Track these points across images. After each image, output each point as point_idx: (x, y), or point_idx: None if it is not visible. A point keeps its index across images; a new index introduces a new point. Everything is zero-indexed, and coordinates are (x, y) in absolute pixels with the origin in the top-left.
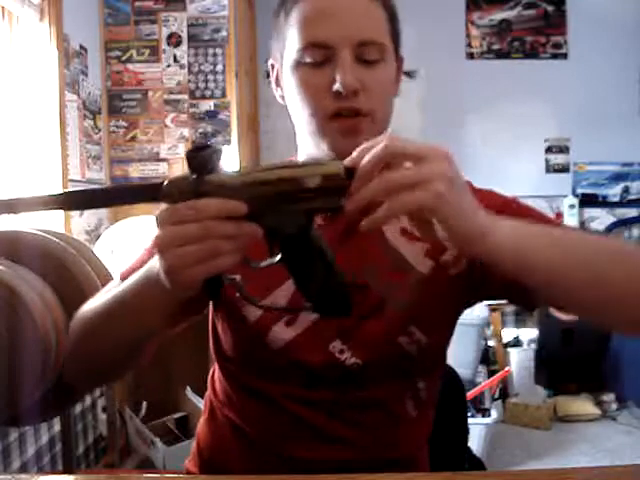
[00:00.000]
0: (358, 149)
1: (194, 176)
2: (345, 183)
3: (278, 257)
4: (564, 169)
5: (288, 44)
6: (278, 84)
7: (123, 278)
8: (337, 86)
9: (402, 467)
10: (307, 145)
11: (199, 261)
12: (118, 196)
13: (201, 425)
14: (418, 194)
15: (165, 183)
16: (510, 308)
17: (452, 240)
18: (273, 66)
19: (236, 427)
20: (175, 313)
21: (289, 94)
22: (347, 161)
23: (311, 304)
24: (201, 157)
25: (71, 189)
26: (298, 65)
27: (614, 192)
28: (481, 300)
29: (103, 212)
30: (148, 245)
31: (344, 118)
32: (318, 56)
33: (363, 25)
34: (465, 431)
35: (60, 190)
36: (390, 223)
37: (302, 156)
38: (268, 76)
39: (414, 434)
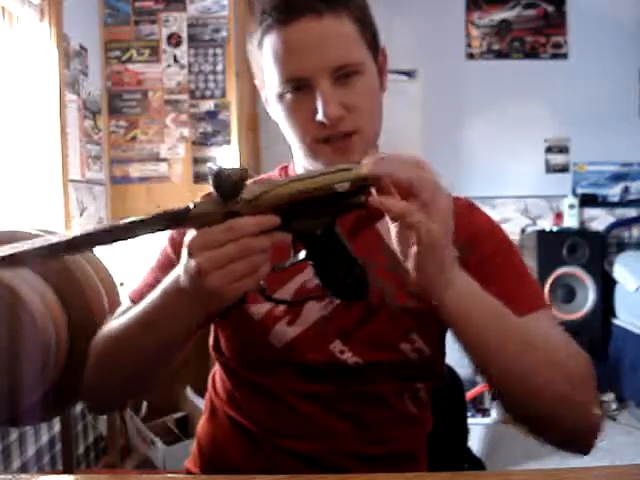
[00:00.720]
0: (374, 158)
1: (221, 198)
2: (369, 184)
3: (302, 255)
4: (564, 169)
5: (267, 75)
6: (268, 103)
7: (133, 299)
8: (320, 117)
9: (402, 464)
10: (303, 161)
11: (242, 277)
12: (141, 228)
13: (202, 424)
14: (426, 223)
15: (192, 208)
16: None
17: (418, 276)
18: (259, 85)
19: (237, 424)
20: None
21: (278, 119)
22: (367, 168)
23: (332, 292)
24: (228, 181)
25: (89, 229)
26: (281, 97)
27: (614, 192)
28: None
29: (103, 212)
30: (153, 265)
31: (334, 141)
32: (297, 88)
33: (334, 51)
34: (465, 431)
35: (80, 231)
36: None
37: (299, 166)
38: None
39: (414, 431)
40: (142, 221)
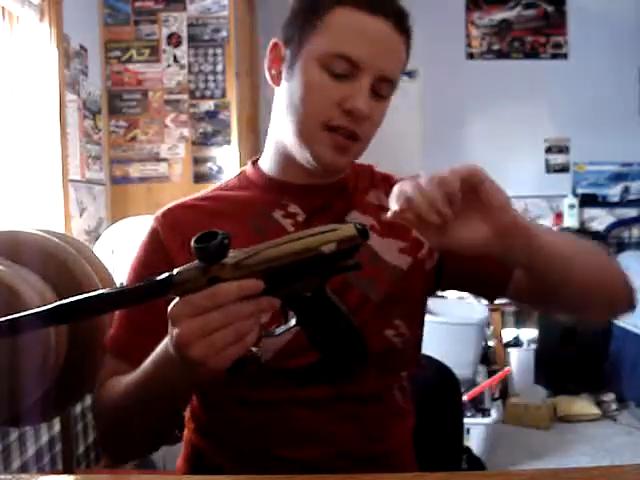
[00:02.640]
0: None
1: (204, 264)
2: (360, 242)
3: (294, 321)
4: (564, 169)
5: (313, 39)
6: (277, 63)
7: (113, 351)
8: (350, 106)
9: (396, 459)
10: (293, 147)
11: (227, 346)
12: (124, 300)
13: (189, 431)
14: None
15: (175, 275)
16: (510, 308)
17: (503, 224)
18: (277, 45)
19: (226, 433)
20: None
21: (291, 87)
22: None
23: (328, 358)
24: (210, 248)
25: (69, 299)
26: (318, 66)
27: (614, 192)
28: (443, 290)
29: (103, 212)
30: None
31: (339, 135)
32: (341, 69)
33: (391, 60)
34: (460, 430)
35: (55, 303)
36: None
37: (267, 160)
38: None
39: (404, 426)
40: (120, 292)
